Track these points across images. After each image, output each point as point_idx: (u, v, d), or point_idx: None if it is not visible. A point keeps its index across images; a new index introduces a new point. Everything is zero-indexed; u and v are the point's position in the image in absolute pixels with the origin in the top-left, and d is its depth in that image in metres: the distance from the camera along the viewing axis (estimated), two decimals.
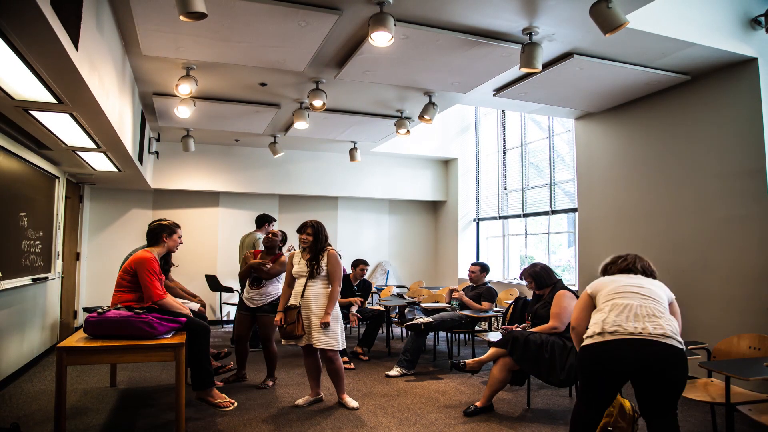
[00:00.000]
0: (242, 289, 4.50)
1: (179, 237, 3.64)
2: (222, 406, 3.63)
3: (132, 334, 3.06)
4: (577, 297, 3.64)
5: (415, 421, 3.44)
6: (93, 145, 4.32)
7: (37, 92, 2.97)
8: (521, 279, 3.99)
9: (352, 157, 6.85)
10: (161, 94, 4.97)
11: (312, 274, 3.63)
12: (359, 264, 5.75)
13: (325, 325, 3.53)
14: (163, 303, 3.34)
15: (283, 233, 4.48)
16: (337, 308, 3.67)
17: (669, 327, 2.26)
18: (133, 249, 4.36)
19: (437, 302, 5.72)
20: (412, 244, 8.83)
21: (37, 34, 2.20)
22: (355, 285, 5.71)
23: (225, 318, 7.57)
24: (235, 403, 3.70)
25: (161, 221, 3.71)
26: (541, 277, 3.79)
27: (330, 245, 3.77)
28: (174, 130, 6.38)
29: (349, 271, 5.82)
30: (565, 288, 3.70)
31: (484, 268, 5.36)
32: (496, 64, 4.06)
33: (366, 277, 6.47)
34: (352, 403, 3.72)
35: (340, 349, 3.64)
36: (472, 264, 5.42)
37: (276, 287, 4.28)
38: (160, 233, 3.55)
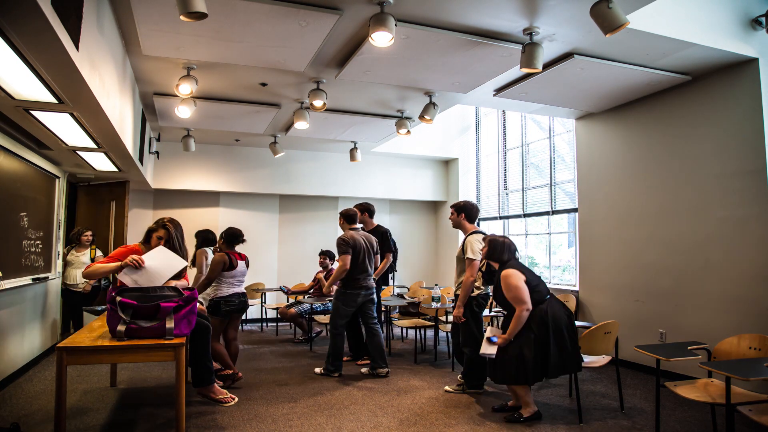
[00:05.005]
0: None
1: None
2: (223, 401, 3.68)
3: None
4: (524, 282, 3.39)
5: (415, 421, 3.44)
6: (93, 145, 4.32)
7: (37, 92, 2.97)
8: (483, 242, 3.75)
9: (352, 157, 6.85)
10: (162, 94, 4.97)
11: None
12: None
13: None
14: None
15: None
16: None
17: None
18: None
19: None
20: (412, 244, 8.82)
21: (38, 34, 2.20)
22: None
23: None
24: (236, 398, 3.77)
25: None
26: (494, 249, 3.54)
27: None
28: (174, 130, 6.38)
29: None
30: (509, 267, 3.45)
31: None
32: (497, 64, 4.06)
33: None
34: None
35: None
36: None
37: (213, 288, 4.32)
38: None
